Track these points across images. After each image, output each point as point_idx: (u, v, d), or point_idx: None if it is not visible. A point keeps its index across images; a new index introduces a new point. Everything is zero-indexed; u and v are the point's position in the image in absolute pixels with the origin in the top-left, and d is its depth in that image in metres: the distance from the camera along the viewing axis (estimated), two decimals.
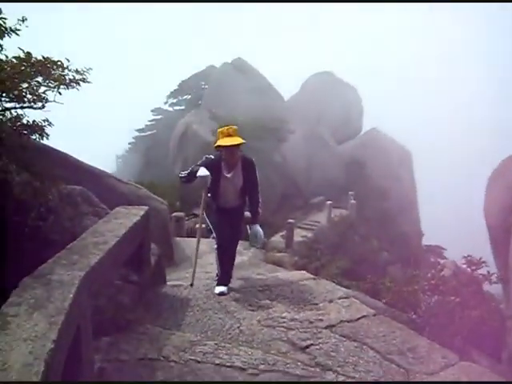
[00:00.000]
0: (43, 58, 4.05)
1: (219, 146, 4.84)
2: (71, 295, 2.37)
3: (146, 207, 4.77)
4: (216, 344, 3.65)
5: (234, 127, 4.97)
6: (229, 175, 4.94)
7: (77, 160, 6.86)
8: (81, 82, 4.44)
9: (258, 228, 5.13)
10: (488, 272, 5.25)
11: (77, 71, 4.40)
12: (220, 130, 4.96)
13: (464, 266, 5.46)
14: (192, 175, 4.82)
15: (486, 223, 10.01)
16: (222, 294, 4.85)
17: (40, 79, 4.11)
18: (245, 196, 5.14)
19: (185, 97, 51.19)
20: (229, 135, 4.82)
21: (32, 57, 3.99)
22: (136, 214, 4.32)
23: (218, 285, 4.98)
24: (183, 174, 4.96)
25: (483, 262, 5.33)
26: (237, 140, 4.80)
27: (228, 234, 5.01)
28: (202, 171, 4.73)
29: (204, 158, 4.99)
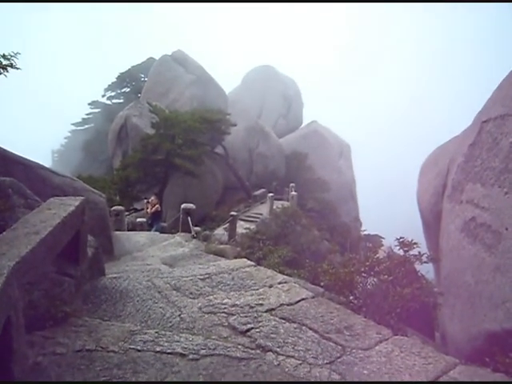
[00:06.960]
0: None
1: None
2: None
3: (82, 197, 4.61)
4: (156, 332, 3.62)
5: None
6: None
7: (5, 150, 6.49)
8: (8, 68, 4.25)
9: None
10: (419, 252, 5.53)
11: (3, 56, 4.21)
12: None
13: (397, 248, 5.71)
14: None
15: (419, 208, 10.55)
16: None
17: None
18: None
19: (123, 89, 49.91)
20: None
21: None
22: (71, 204, 4.17)
23: None
24: None
25: (415, 244, 5.60)
26: None
27: None
28: None
29: None
